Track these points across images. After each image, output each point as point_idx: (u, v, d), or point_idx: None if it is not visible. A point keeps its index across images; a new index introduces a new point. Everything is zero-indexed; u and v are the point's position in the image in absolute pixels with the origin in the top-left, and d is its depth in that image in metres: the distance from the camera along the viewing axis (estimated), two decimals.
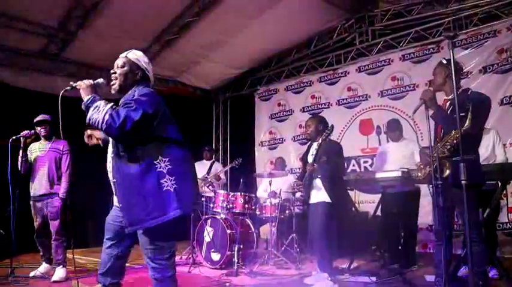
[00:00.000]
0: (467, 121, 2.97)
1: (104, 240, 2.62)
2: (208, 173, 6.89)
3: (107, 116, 2.22)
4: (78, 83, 2.42)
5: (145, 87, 2.49)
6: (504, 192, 4.53)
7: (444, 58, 3.35)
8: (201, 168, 6.97)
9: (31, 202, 4.67)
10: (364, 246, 5.62)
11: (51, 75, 6.97)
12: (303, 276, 4.49)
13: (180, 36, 6.93)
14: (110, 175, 2.48)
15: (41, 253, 4.72)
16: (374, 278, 4.16)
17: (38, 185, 4.63)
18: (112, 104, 2.31)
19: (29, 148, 4.72)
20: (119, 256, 2.58)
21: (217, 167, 7.12)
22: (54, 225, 4.53)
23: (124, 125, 2.21)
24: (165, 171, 2.33)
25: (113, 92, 2.52)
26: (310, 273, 4.48)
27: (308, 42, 7.91)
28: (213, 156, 7.58)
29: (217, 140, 9.62)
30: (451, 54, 2.57)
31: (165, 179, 2.32)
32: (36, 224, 4.65)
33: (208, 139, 9.36)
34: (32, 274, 4.54)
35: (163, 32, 6.80)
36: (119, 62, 2.53)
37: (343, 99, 7.57)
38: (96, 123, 2.25)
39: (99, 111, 2.25)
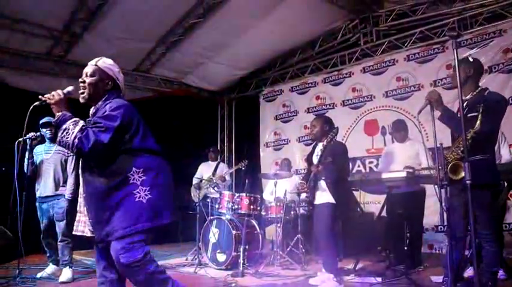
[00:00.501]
0: (478, 122, 2.92)
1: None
2: (213, 174, 6.88)
3: (76, 141, 2.20)
4: (47, 96, 2.35)
5: (117, 99, 2.42)
6: (510, 192, 4.51)
7: (470, 55, 3.27)
8: (207, 169, 6.98)
9: (37, 204, 4.70)
10: (369, 247, 5.62)
11: (56, 78, 7.01)
12: (309, 277, 4.48)
13: (185, 37, 6.96)
14: (81, 189, 2.45)
15: (48, 255, 4.76)
16: (379, 279, 4.15)
17: (44, 187, 4.66)
18: (82, 124, 2.27)
19: (34, 150, 4.75)
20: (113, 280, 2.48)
21: (223, 168, 7.12)
22: (60, 226, 4.56)
23: (94, 149, 2.21)
24: (138, 182, 2.30)
25: (81, 101, 2.45)
26: (315, 274, 4.47)
27: (312, 43, 7.90)
28: (219, 157, 7.59)
29: (222, 141, 9.64)
30: (455, 54, 2.55)
31: (137, 190, 2.29)
32: (42, 225, 4.69)
33: (213, 140, 9.37)
34: (39, 275, 4.57)
35: (168, 33, 6.84)
36: (88, 70, 2.45)
37: (348, 100, 7.56)
38: (66, 146, 2.24)
39: (68, 135, 2.22)
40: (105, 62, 2.49)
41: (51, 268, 4.68)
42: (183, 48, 7.22)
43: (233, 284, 4.31)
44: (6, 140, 4.55)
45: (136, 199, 2.27)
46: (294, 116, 8.43)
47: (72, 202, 4.53)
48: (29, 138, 4.56)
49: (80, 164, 2.44)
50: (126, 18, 6.14)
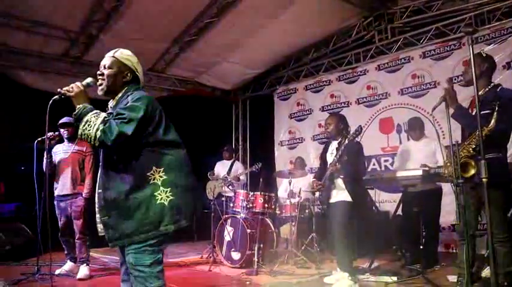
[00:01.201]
0: (493, 120, 2.89)
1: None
2: (228, 173, 6.93)
3: (98, 133, 2.09)
4: (66, 88, 2.24)
5: (137, 91, 2.34)
6: None
7: (483, 50, 3.24)
8: (222, 168, 7.03)
9: (55, 202, 4.80)
10: (384, 246, 5.58)
11: (74, 78, 7.04)
12: (323, 275, 4.48)
13: (199, 37, 7.01)
14: (97, 185, 2.33)
15: (66, 252, 4.85)
16: (395, 278, 4.13)
17: (62, 186, 4.76)
18: (104, 116, 2.17)
19: (53, 150, 4.85)
20: None
21: (238, 166, 7.16)
22: (77, 224, 4.65)
23: (117, 141, 2.10)
24: (159, 183, 2.20)
25: (100, 93, 2.37)
26: (330, 272, 4.47)
27: (326, 41, 7.87)
28: (233, 155, 7.62)
29: (236, 140, 9.68)
30: (471, 50, 2.51)
31: (159, 191, 2.19)
32: (60, 223, 4.78)
33: (228, 139, 9.42)
34: (57, 272, 4.67)
35: (183, 33, 6.90)
36: (106, 62, 2.36)
37: (362, 98, 7.51)
38: (88, 139, 2.12)
39: (90, 127, 2.11)
40: (122, 53, 2.40)
41: (68, 265, 4.79)
42: (197, 48, 7.27)
43: (247, 282, 4.33)
44: (25, 140, 4.66)
45: (158, 201, 2.18)
46: (308, 114, 8.41)
47: (90, 200, 4.62)
48: (48, 137, 4.65)
49: (101, 159, 2.33)
50: (141, 19, 6.21)
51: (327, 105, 8.05)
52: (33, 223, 4.72)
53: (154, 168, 2.21)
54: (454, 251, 5.93)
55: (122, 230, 2.19)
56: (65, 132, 4.83)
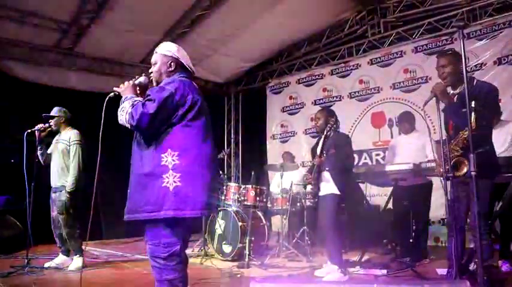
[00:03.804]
0: (473, 120, 2.85)
1: None
2: None
3: (127, 116, 2.22)
4: (118, 89, 2.44)
5: (176, 75, 2.44)
6: None
7: (453, 49, 3.31)
8: None
9: (51, 192, 4.76)
10: (375, 239, 5.62)
11: (65, 70, 7.07)
12: (314, 268, 4.50)
13: (192, 29, 6.96)
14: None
15: (58, 245, 4.77)
16: (385, 271, 4.16)
17: (52, 177, 4.73)
18: (135, 100, 2.30)
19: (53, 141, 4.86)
20: None
21: None
22: (61, 219, 4.57)
23: (140, 120, 2.18)
24: (170, 166, 2.21)
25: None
26: (321, 265, 4.49)
27: (319, 35, 7.86)
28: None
29: (229, 133, 9.66)
30: (462, 44, 2.52)
31: (167, 175, 2.20)
32: (52, 214, 4.73)
33: (220, 132, 9.40)
34: (46, 265, 4.62)
35: (175, 25, 6.83)
36: (152, 59, 2.53)
37: (355, 92, 7.53)
38: (125, 125, 2.27)
39: (123, 112, 2.26)
40: (163, 47, 2.53)
41: (60, 258, 4.72)
42: (190, 40, 7.21)
43: (239, 276, 4.34)
44: (15, 132, 4.61)
45: (163, 185, 2.19)
46: (300, 108, 8.42)
47: (75, 194, 4.54)
48: (37, 129, 4.62)
49: (135, 138, 2.44)
50: (133, 10, 6.15)
51: (319, 99, 8.06)
52: (23, 216, 4.67)
53: (169, 150, 2.24)
54: (444, 245, 6.01)
55: (132, 204, 2.28)
56: (51, 123, 4.77)
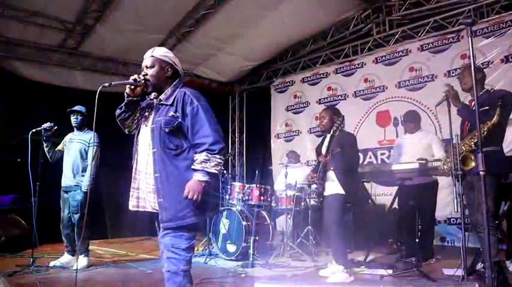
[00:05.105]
0: (496, 116, 3.14)
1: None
2: None
3: (218, 161, 2.36)
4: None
5: (177, 82, 2.53)
6: None
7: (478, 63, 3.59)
8: None
9: (61, 192, 4.76)
10: (380, 239, 5.59)
11: (69, 69, 7.09)
12: (319, 268, 4.48)
13: (196, 28, 6.95)
14: (144, 167, 2.45)
15: (65, 244, 4.77)
16: (390, 271, 4.13)
17: (65, 176, 4.74)
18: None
19: (65, 138, 4.87)
20: None
21: None
22: (75, 218, 4.62)
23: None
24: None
25: (149, 90, 2.49)
26: (325, 265, 4.47)
27: (324, 33, 7.82)
28: None
29: (233, 132, 9.65)
30: (470, 41, 2.49)
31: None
32: (63, 214, 4.73)
33: (225, 131, 9.36)
34: (51, 264, 4.63)
35: (179, 24, 6.83)
36: (147, 62, 2.50)
37: (359, 91, 7.49)
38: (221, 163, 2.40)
39: (213, 164, 2.34)
40: (159, 51, 2.53)
41: (65, 258, 4.71)
42: (194, 39, 7.21)
43: (243, 275, 4.33)
44: (22, 131, 4.61)
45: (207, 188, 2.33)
46: (305, 107, 8.38)
47: (89, 194, 4.50)
48: (43, 129, 4.62)
49: (142, 142, 2.48)
50: (137, 10, 6.15)
51: (324, 98, 8.02)
52: (29, 215, 4.69)
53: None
54: (450, 244, 5.97)
55: (178, 211, 2.33)
56: (73, 120, 4.80)
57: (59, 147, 4.91)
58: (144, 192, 2.45)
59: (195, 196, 2.28)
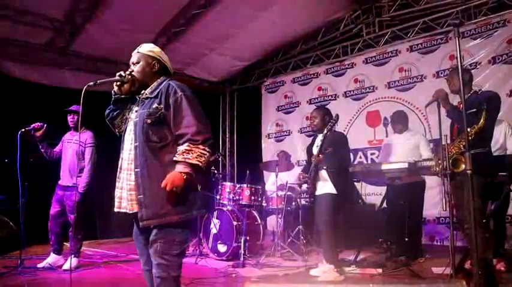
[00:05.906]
0: (482, 119, 3.18)
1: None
2: None
3: (205, 151, 2.27)
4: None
5: (162, 77, 2.47)
6: None
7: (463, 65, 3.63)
8: None
9: (56, 188, 4.74)
10: (370, 238, 5.63)
11: (59, 69, 7.02)
12: (309, 268, 4.49)
13: (187, 28, 6.91)
14: (126, 164, 2.35)
15: (51, 242, 4.72)
16: (380, 270, 4.17)
17: (62, 176, 4.74)
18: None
19: (63, 137, 4.87)
20: None
21: None
22: (70, 218, 4.61)
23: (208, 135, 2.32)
24: None
25: (136, 86, 2.44)
26: (316, 265, 4.49)
27: (315, 34, 7.85)
28: None
29: (224, 132, 9.64)
30: (457, 42, 2.52)
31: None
32: (53, 210, 4.69)
33: (215, 131, 9.37)
34: (40, 265, 4.60)
35: (170, 24, 6.78)
36: (133, 59, 2.48)
37: (350, 91, 7.53)
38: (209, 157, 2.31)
39: (201, 156, 2.25)
40: (145, 47, 2.50)
41: (52, 257, 4.69)
42: (185, 39, 7.17)
43: (234, 275, 4.33)
44: (10, 131, 4.55)
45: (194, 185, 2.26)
46: (295, 107, 8.41)
47: (85, 195, 4.60)
48: (33, 128, 4.57)
49: (127, 137, 2.39)
50: (128, 9, 6.09)
51: (315, 98, 8.05)
52: (16, 216, 4.63)
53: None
54: (439, 243, 6.03)
55: (158, 209, 2.22)
56: (70, 120, 4.77)
57: (58, 147, 4.90)
58: (125, 191, 2.34)
59: (174, 188, 2.15)
